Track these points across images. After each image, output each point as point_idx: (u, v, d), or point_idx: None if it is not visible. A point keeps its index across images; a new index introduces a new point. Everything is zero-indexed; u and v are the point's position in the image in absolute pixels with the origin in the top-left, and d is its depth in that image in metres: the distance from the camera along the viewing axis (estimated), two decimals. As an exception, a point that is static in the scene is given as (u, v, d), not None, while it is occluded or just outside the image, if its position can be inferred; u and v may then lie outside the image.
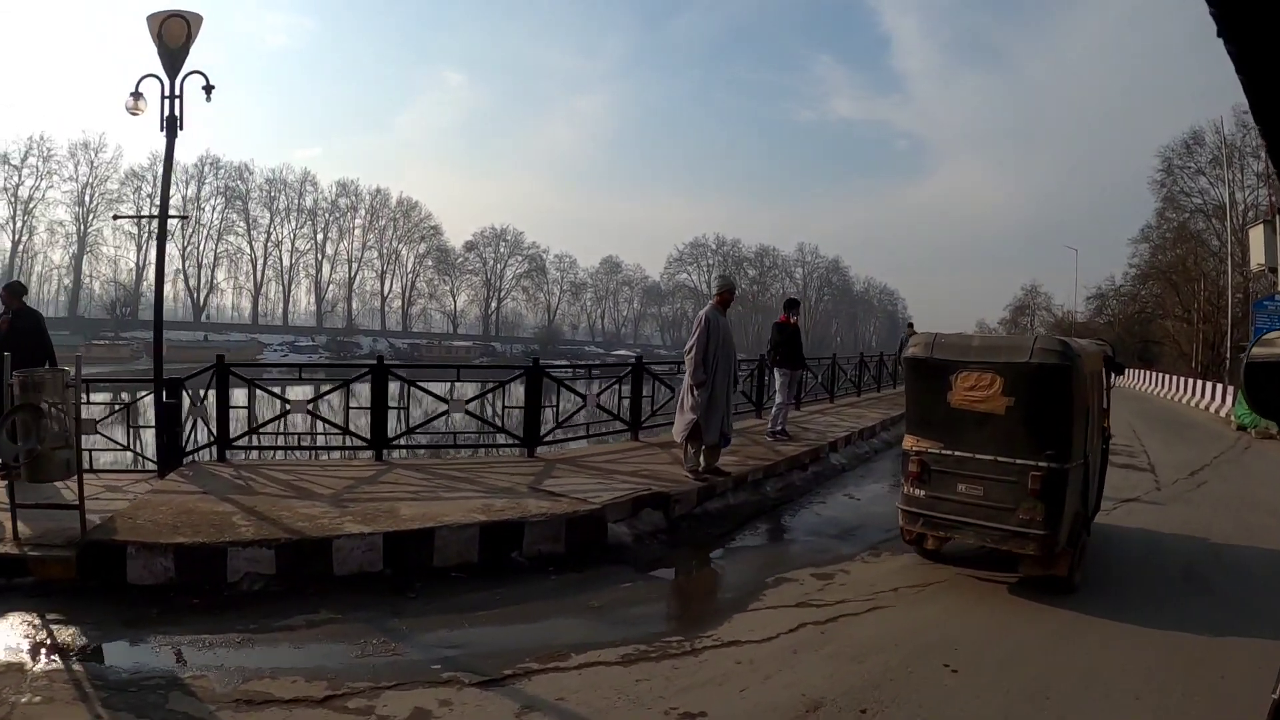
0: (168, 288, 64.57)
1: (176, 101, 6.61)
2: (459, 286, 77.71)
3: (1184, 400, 23.67)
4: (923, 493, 4.99)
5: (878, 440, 11.47)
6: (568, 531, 5.23)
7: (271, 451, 7.94)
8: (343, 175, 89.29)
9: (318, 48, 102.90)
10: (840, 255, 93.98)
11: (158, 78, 6.60)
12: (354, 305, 72.37)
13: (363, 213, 72.41)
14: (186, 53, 6.60)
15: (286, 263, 70.01)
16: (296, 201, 69.41)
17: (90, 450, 6.17)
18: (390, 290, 74.42)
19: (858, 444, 10.56)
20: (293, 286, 71.06)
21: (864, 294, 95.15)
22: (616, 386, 9.31)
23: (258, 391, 7.31)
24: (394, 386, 7.61)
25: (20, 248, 58.35)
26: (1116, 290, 43.84)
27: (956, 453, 4.84)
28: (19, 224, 57.54)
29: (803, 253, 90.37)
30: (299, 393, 8.18)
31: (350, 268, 72.23)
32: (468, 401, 7.90)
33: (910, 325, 19.52)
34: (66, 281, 61.63)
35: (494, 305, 79.01)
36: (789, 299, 10.76)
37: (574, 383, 9.62)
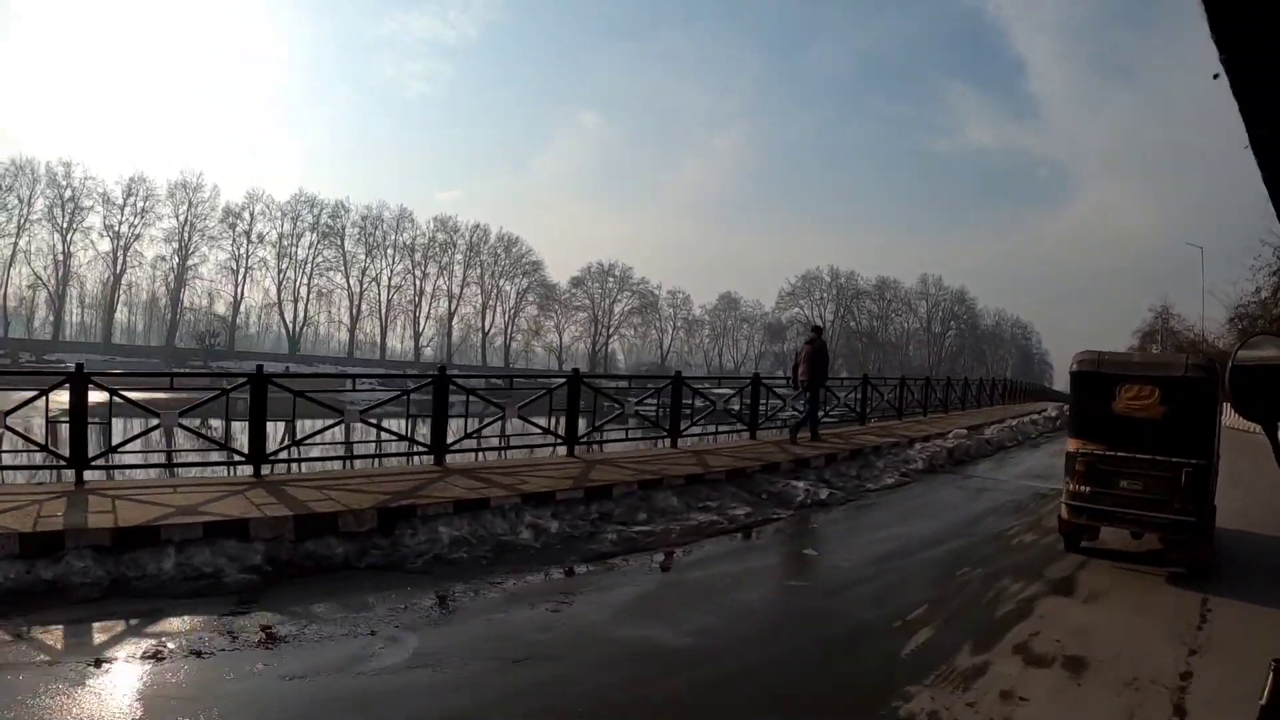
0: (263, 321, 70.91)
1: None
2: (565, 323, 78.11)
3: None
4: (1088, 488, 6.04)
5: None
6: None
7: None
8: (485, 217, 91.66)
9: (456, 93, 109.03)
10: (966, 286, 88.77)
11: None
12: (453, 340, 73.88)
13: (462, 248, 74.07)
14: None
15: (383, 298, 71.90)
16: (393, 238, 71.88)
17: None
18: (492, 326, 74.81)
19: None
20: (390, 322, 72.80)
21: (994, 328, 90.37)
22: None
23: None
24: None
25: (122, 281, 63.98)
26: (1258, 297, 35.08)
27: (1119, 453, 5.93)
28: (119, 259, 63.08)
29: (926, 284, 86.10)
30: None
31: (450, 302, 73.41)
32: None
33: (816, 329, 13.25)
34: (166, 314, 65.31)
35: (602, 342, 78.90)
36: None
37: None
